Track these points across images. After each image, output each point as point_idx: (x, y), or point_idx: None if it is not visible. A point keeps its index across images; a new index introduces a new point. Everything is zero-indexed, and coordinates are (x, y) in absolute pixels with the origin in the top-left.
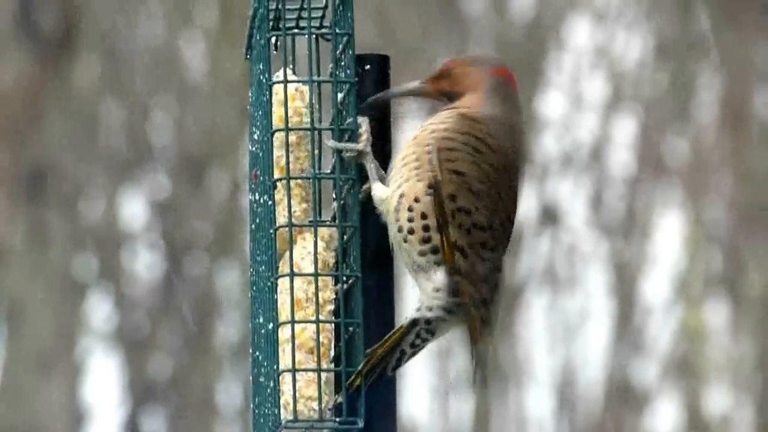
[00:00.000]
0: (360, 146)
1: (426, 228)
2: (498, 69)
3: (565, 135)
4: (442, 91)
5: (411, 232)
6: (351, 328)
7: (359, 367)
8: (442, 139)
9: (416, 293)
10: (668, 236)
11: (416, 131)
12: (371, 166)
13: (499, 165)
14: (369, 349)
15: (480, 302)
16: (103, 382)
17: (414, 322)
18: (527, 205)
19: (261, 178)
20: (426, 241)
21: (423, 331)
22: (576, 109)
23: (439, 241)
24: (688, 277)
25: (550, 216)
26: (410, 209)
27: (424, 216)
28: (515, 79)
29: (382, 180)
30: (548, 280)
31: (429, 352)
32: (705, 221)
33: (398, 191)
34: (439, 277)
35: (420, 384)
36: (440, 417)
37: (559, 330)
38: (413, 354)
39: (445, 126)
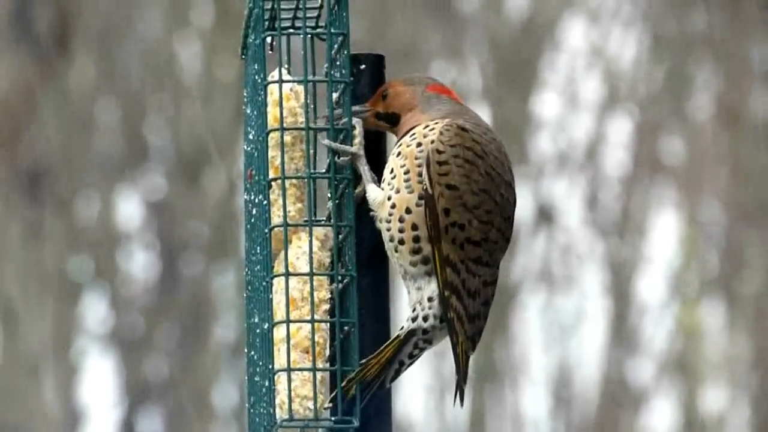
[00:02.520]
0: (353, 149)
1: (416, 239)
2: (431, 86)
3: (561, 135)
4: (378, 114)
5: (402, 242)
6: (346, 328)
7: (352, 375)
8: (431, 151)
9: (410, 301)
10: (664, 235)
11: (398, 148)
12: (365, 168)
13: (490, 169)
14: (364, 360)
15: (466, 318)
16: (98, 383)
17: (411, 333)
18: (523, 205)
19: (256, 177)
20: (416, 252)
21: (421, 341)
22: (571, 108)
23: (430, 251)
24: (684, 276)
25: (545, 216)
26: (401, 220)
27: (414, 227)
28: (453, 93)
29: (376, 182)
30: (544, 280)
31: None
32: (700, 220)
33: (389, 202)
34: (432, 286)
35: (416, 383)
36: (436, 416)
37: (555, 329)
38: (411, 363)
39: (431, 138)
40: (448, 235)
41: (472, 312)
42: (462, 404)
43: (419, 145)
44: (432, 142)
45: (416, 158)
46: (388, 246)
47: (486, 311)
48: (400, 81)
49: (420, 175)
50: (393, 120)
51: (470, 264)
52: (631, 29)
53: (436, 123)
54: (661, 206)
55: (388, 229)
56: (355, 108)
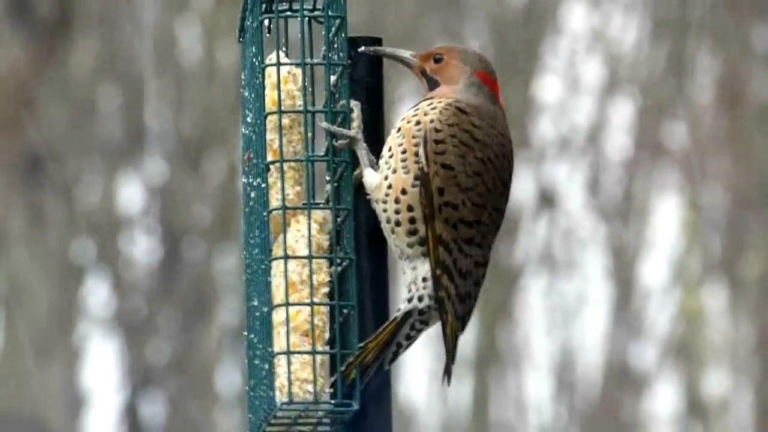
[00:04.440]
0: (351, 132)
1: (412, 220)
2: (481, 72)
3: (562, 119)
4: (424, 72)
5: (398, 223)
6: (345, 311)
7: (351, 360)
8: (429, 130)
9: (406, 282)
10: (666, 219)
11: (399, 122)
12: (362, 152)
13: (485, 157)
14: (361, 343)
15: (457, 297)
16: (101, 367)
17: (407, 314)
18: (525, 189)
19: (254, 160)
20: (413, 233)
21: (417, 322)
22: (573, 92)
23: (425, 232)
24: (686, 260)
25: (547, 200)
26: (397, 201)
27: (410, 208)
28: (497, 85)
29: (373, 166)
30: (546, 264)
31: (426, 336)
32: (703, 204)
33: (386, 182)
34: (427, 267)
35: (418, 368)
36: (438, 400)
37: (558, 314)
38: (409, 345)
39: (431, 117)
40: (442, 215)
41: (462, 292)
42: (449, 384)
43: (418, 123)
44: (431, 121)
45: (414, 137)
46: (385, 227)
47: (476, 292)
48: (457, 52)
49: (417, 154)
50: (432, 84)
51: (462, 244)
52: (632, 13)
53: (440, 102)
54: (663, 190)
55: (385, 210)
56: (405, 54)
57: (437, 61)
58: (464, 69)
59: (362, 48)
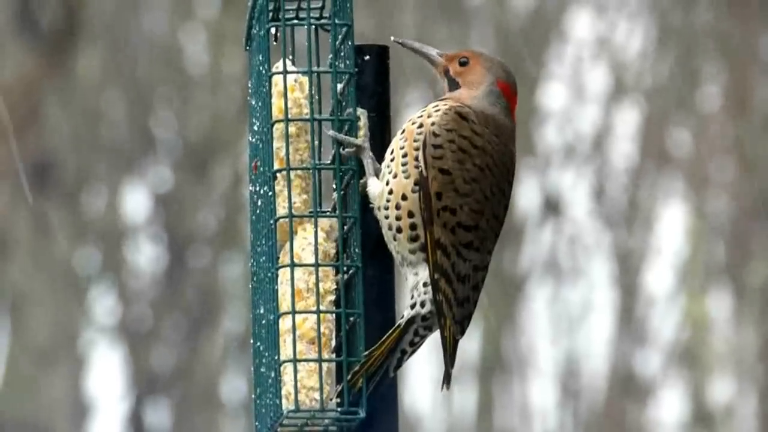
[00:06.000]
0: (358, 141)
1: (413, 226)
2: (503, 83)
3: (567, 126)
4: (447, 71)
5: (399, 230)
6: (352, 319)
7: (357, 368)
8: (429, 134)
9: (408, 288)
10: (671, 227)
11: (405, 124)
12: (368, 161)
13: (484, 164)
14: (366, 351)
15: (455, 301)
16: (106, 375)
17: (411, 321)
18: (530, 197)
19: (261, 168)
20: (414, 239)
21: (420, 328)
22: (578, 100)
23: (425, 237)
24: (691, 267)
25: (552, 207)
26: (398, 207)
27: (411, 214)
28: (515, 99)
29: (378, 174)
30: (551, 271)
31: (431, 343)
32: (707, 212)
33: (387, 188)
34: (428, 272)
35: (423, 375)
36: (444, 408)
37: (563, 321)
38: (413, 351)
39: (432, 120)
40: (440, 219)
41: (461, 296)
42: (448, 389)
43: (420, 126)
44: (432, 124)
45: (415, 141)
46: (387, 234)
47: (476, 296)
48: (482, 59)
49: (417, 159)
50: (452, 85)
51: (461, 248)
52: (637, 20)
53: (445, 104)
54: (668, 197)
55: (386, 217)
56: (432, 52)
57: (463, 64)
58: (487, 76)
59: (392, 38)
